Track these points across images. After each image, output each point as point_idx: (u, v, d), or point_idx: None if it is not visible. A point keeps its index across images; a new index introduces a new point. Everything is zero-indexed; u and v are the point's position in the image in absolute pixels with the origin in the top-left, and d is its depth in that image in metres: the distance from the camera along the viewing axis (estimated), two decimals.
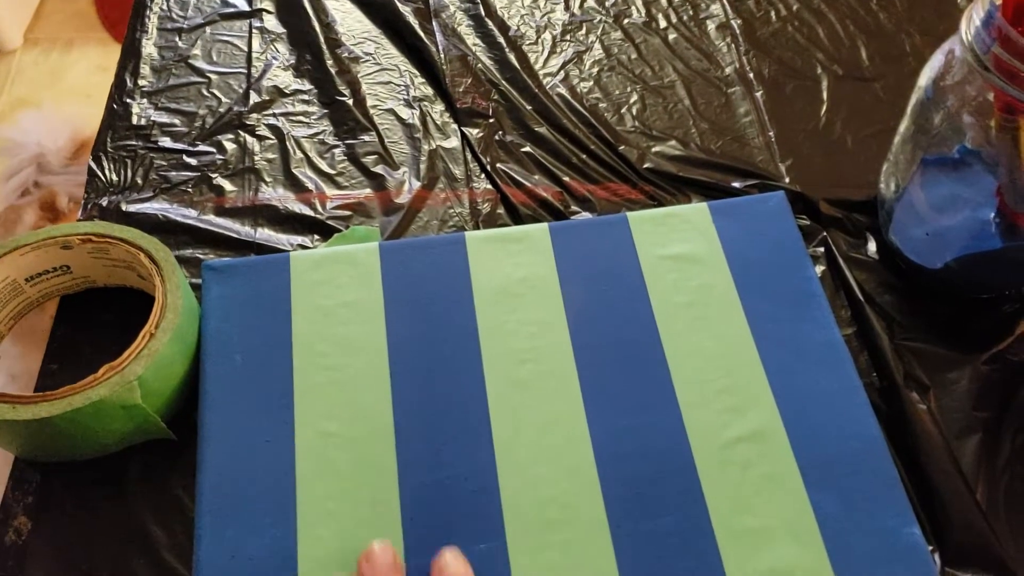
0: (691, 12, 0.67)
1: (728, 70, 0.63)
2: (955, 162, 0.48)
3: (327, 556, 0.41)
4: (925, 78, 0.46)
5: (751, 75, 0.63)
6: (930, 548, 0.42)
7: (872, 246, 0.54)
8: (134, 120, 0.61)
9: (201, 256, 0.54)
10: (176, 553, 0.43)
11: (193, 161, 0.59)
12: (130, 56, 0.65)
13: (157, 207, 0.56)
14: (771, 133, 0.60)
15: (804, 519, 0.42)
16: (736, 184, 0.57)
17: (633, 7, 0.67)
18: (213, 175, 0.58)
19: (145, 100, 0.62)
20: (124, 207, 0.56)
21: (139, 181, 0.58)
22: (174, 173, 0.58)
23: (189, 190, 0.57)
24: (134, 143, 0.60)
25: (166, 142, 0.60)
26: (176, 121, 0.61)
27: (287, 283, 0.49)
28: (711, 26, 0.66)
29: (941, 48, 0.45)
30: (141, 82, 0.63)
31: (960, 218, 0.50)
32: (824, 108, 0.61)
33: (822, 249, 0.54)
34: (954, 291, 0.51)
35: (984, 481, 0.45)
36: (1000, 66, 0.41)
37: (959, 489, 0.44)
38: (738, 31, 0.65)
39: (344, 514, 0.42)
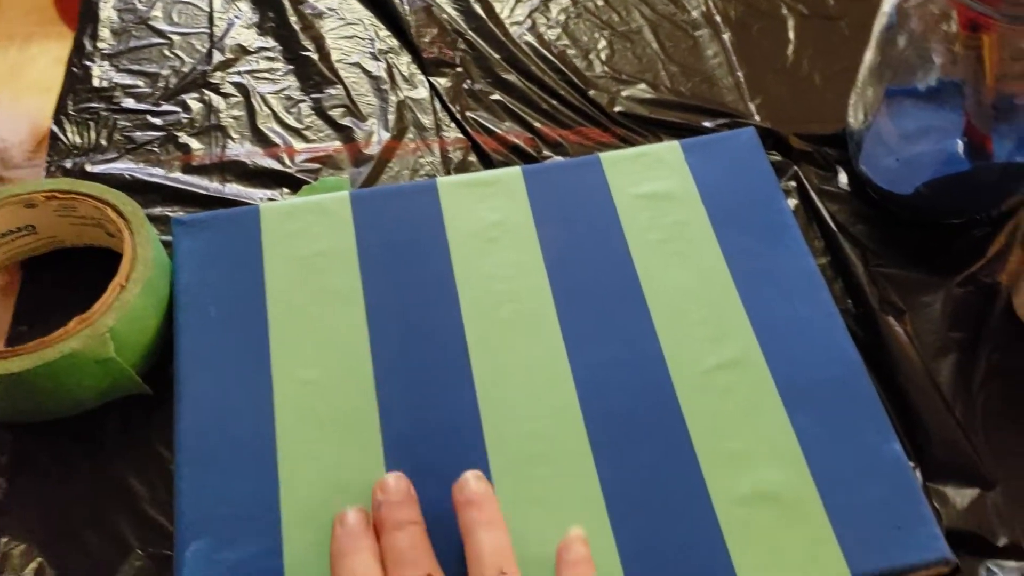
0: None
1: (695, 13, 0.63)
2: (922, 93, 0.49)
3: (310, 500, 0.41)
4: (888, 3, 0.46)
5: (718, 18, 0.63)
6: (911, 464, 0.43)
7: (843, 178, 0.54)
8: (95, 83, 0.60)
9: (170, 213, 0.53)
10: (158, 507, 0.43)
11: (158, 121, 0.58)
12: (88, 20, 0.64)
13: (123, 167, 0.55)
14: (740, 73, 0.60)
15: (786, 441, 0.42)
16: (707, 124, 0.57)
17: None
18: (179, 134, 0.57)
19: (106, 62, 0.61)
20: (89, 168, 0.55)
21: (103, 143, 0.57)
22: (139, 133, 0.57)
23: (155, 149, 0.56)
24: (96, 105, 0.59)
25: (129, 103, 0.59)
26: (139, 82, 0.60)
27: (258, 235, 0.49)
28: None
29: None
30: (101, 45, 0.62)
31: (929, 145, 0.51)
32: (791, 47, 0.61)
33: (794, 183, 0.54)
34: (926, 217, 0.52)
35: (961, 398, 0.45)
36: None
37: (937, 407, 0.44)
38: None
39: (326, 458, 0.42)
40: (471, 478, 0.39)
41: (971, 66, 0.44)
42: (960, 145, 0.49)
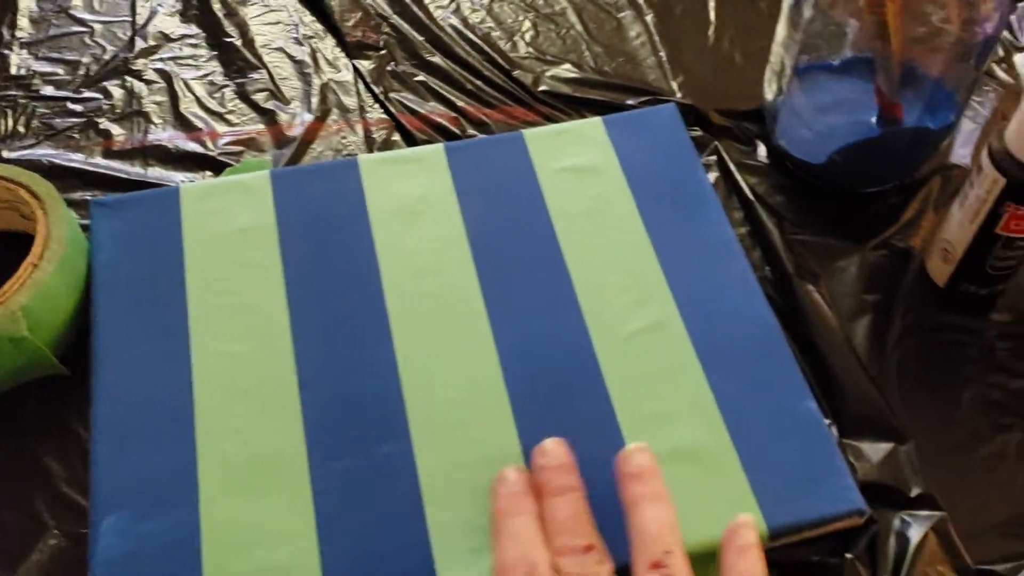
0: None
1: None
2: (834, 66, 0.50)
3: (228, 472, 0.40)
4: None
5: (641, 0, 0.64)
6: (827, 422, 0.43)
7: (762, 151, 0.55)
8: (12, 71, 0.59)
9: (91, 198, 0.52)
10: (75, 486, 0.42)
11: (78, 107, 0.57)
12: (6, 9, 0.63)
13: (41, 153, 0.55)
14: (662, 53, 0.60)
15: (704, 401, 0.42)
16: (630, 101, 0.57)
17: None
18: (99, 120, 0.57)
19: (24, 51, 0.60)
20: (6, 154, 0.54)
21: (21, 129, 0.56)
22: (58, 120, 0.57)
23: (75, 135, 0.56)
24: (13, 93, 0.58)
25: (48, 90, 0.58)
26: (59, 70, 0.59)
27: (177, 214, 0.49)
28: None
29: None
30: (19, 34, 0.62)
31: (842, 116, 0.52)
32: (712, 28, 0.62)
33: (715, 157, 0.55)
34: (841, 186, 0.53)
35: (876, 357, 0.46)
36: None
37: (852, 365, 0.45)
38: None
39: (245, 430, 0.41)
40: (635, 451, 0.37)
41: (877, 34, 0.45)
42: (873, 115, 0.50)
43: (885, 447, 0.43)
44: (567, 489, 0.36)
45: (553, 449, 0.38)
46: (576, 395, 0.43)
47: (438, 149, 0.52)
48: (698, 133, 0.56)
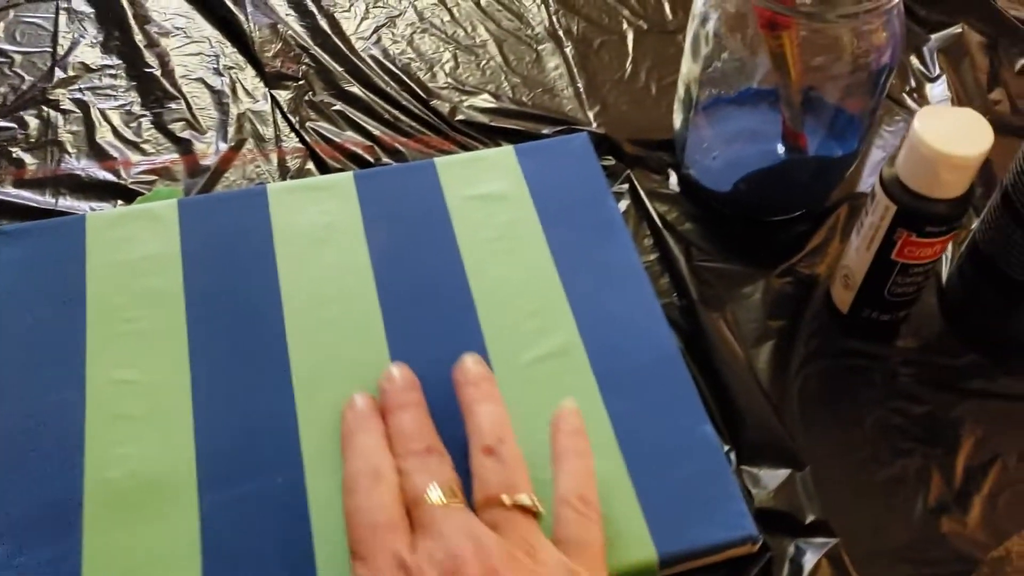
0: None
1: (539, 29, 0.64)
2: (740, 96, 0.50)
3: (115, 499, 0.40)
4: (696, 5, 0.48)
5: (560, 32, 0.64)
6: (726, 448, 0.43)
7: (674, 180, 0.55)
8: None
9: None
10: None
11: None
12: None
13: None
14: (580, 84, 0.61)
15: (601, 427, 0.42)
16: (546, 131, 0.58)
17: None
18: (13, 149, 0.56)
19: None
20: None
21: None
22: None
23: None
24: None
25: None
26: None
27: (82, 242, 0.48)
28: None
29: None
30: None
31: (747, 145, 0.52)
32: (630, 59, 0.63)
33: (627, 186, 0.55)
34: (749, 214, 0.53)
35: (778, 383, 0.46)
36: None
37: (753, 391, 0.45)
38: None
39: (134, 457, 0.41)
40: (469, 360, 0.41)
41: (775, 64, 0.46)
42: (778, 145, 0.51)
43: (782, 473, 0.42)
44: (409, 404, 0.40)
45: (397, 373, 0.41)
46: None
47: (348, 177, 0.52)
48: (611, 162, 0.56)
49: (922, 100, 0.60)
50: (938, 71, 0.62)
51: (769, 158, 0.51)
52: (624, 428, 0.42)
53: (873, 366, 0.47)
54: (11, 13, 0.65)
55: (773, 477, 0.42)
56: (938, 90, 0.61)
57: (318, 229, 0.49)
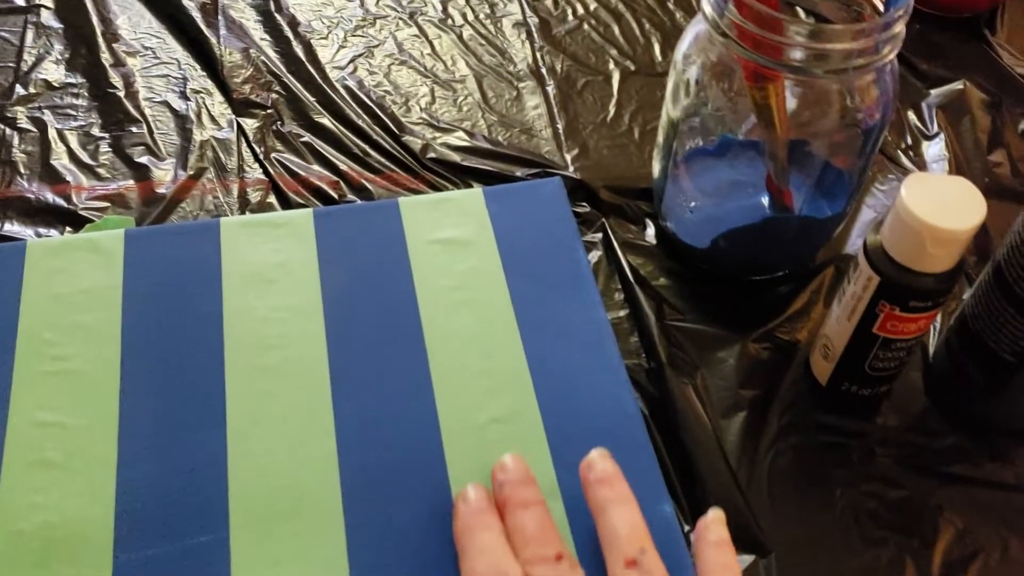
0: (488, 10, 0.66)
1: (521, 65, 0.62)
2: (719, 147, 0.48)
3: (23, 553, 0.37)
4: (679, 52, 0.45)
5: (543, 70, 0.62)
6: (687, 528, 0.40)
7: (651, 231, 0.53)
8: None
9: None
10: None
11: None
12: None
13: None
14: (559, 125, 0.58)
15: (550, 502, 0.39)
16: (519, 173, 0.55)
17: (430, 4, 0.66)
18: None
19: None
20: None
21: None
22: None
23: None
24: None
25: None
26: None
27: (20, 271, 0.45)
28: (507, 24, 0.65)
29: (693, 22, 0.45)
30: None
31: (726, 200, 0.50)
32: (614, 101, 0.60)
33: (600, 235, 0.52)
34: (728, 273, 0.50)
35: (747, 458, 0.43)
36: (741, 34, 0.41)
37: (720, 468, 0.42)
38: (534, 28, 0.64)
39: (49, 507, 0.38)
40: (598, 457, 0.37)
41: (760, 117, 0.43)
42: (762, 200, 0.48)
43: (746, 559, 0.39)
44: (531, 502, 0.37)
45: (513, 464, 0.38)
46: (414, 490, 0.39)
47: (306, 214, 0.49)
48: (586, 209, 0.53)
49: (918, 159, 0.58)
50: (936, 128, 0.59)
51: (751, 214, 0.48)
52: (576, 505, 0.39)
53: (850, 444, 0.44)
54: None
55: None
56: (935, 149, 0.58)
57: (270, 268, 0.46)
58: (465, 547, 0.35)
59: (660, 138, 0.49)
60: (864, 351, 0.42)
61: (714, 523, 0.36)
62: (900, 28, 0.40)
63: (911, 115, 0.60)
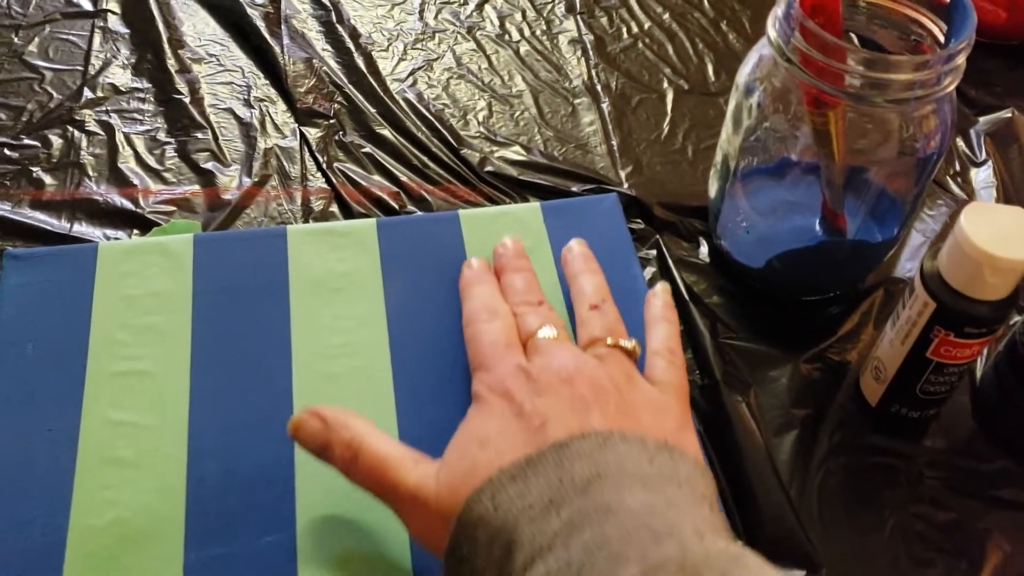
0: (544, 27, 0.67)
1: (576, 82, 0.63)
2: (777, 169, 0.49)
3: (98, 546, 0.38)
4: (741, 74, 0.46)
5: (599, 87, 0.63)
6: (739, 542, 0.41)
7: (704, 250, 0.54)
8: None
9: (10, 248, 0.51)
10: None
11: (14, 154, 0.56)
12: None
13: None
14: (614, 141, 0.59)
15: None
16: (575, 188, 0.56)
17: (488, 20, 0.67)
18: (34, 169, 0.55)
19: None
20: None
21: None
22: None
23: (6, 183, 0.55)
24: None
25: None
26: (1, 115, 0.58)
27: (92, 273, 0.47)
28: (563, 40, 0.66)
29: (757, 45, 0.46)
30: None
31: (782, 221, 0.51)
32: (668, 119, 0.61)
33: (655, 252, 0.53)
34: (781, 293, 0.51)
35: (799, 475, 0.44)
36: (805, 60, 0.42)
37: (772, 485, 0.43)
38: (589, 46, 0.66)
39: (122, 503, 0.39)
40: (574, 243, 0.48)
41: (819, 143, 0.44)
42: (815, 223, 0.49)
43: (797, 575, 0.40)
44: (522, 268, 0.46)
45: (511, 243, 0.47)
46: None
47: (370, 224, 0.50)
48: (640, 226, 0.54)
49: (966, 185, 0.58)
50: (984, 155, 0.60)
51: (805, 236, 0.49)
52: None
53: (898, 465, 0.45)
54: (47, 28, 0.64)
55: None
56: (983, 175, 0.59)
57: (335, 277, 0.48)
58: (465, 296, 0.44)
59: (718, 157, 0.50)
60: (916, 374, 0.43)
61: (663, 291, 0.45)
62: (962, 60, 0.41)
63: (959, 142, 0.61)
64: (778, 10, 0.42)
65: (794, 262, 0.49)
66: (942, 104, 0.43)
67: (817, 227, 0.49)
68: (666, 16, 0.68)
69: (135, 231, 0.53)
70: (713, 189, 0.51)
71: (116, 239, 0.52)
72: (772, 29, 0.43)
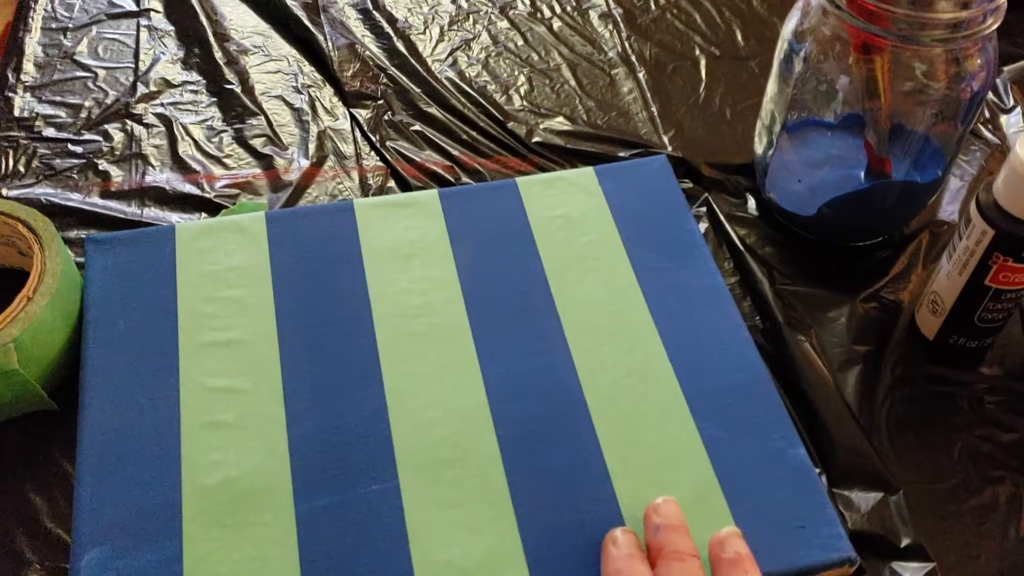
0: (574, 3, 0.69)
1: (611, 54, 0.65)
2: (824, 122, 0.51)
3: (213, 507, 0.40)
4: (787, 29, 0.48)
5: (633, 57, 0.65)
6: (816, 470, 0.43)
7: (752, 204, 0.56)
8: (16, 112, 0.60)
9: (86, 236, 0.52)
10: (58, 520, 0.42)
11: (79, 149, 0.58)
12: (12, 54, 0.64)
13: (40, 191, 0.55)
14: (654, 108, 0.61)
15: (692, 446, 0.42)
16: (622, 153, 0.58)
17: (519, 0, 0.69)
18: (99, 161, 0.57)
19: (28, 94, 0.61)
20: (5, 192, 0.55)
21: (21, 169, 0.56)
22: (59, 161, 0.57)
23: (74, 176, 0.56)
24: (16, 134, 0.58)
25: (50, 132, 0.59)
26: (61, 112, 0.60)
27: (172, 251, 0.49)
28: (593, 15, 0.68)
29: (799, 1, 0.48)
30: (24, 78, 0.62)
31: (831, 171, 0.53)
32: (703, 84, 0.63)
33: (705, 209, 0.55)
34: (830, 239, 0.53)
35: (866, 407, 0.46)
36: (853, 4, 0.44)
37: (842, 415, 0.45)
38: (619, 19, 0.68)
39: (230, 463, 0.41)
40: (730, 536, 0.37)
41: (866, 88, 0.46)
42: (861, 170, 0.51)
43: (874, 496, 0.42)
44: (686, 554, 0.36)
45: (668, 509, 0.38)
46: (564, 438, 0.42)
47: (432, 194, 0.52)
48: (689, 185, 0.57)
49: (997, 131, 0.60)
50: (1012, 102, 0.62)
51: (853, 183, 0.51)
52: (716, 449, 0.42)
53: (960, 393, 0.47)
54: (93, 29, 0.66)
55: (865, 500, 0.42)
56: (1013, 120, 0.61)
57: (405, 244, 0.50)
58: None
59: (764, 114, 0.52)
60: (975, 303, 0.45)
61: (730, 538, 0.37)
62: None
63: None
64: None
65: (844, 208, 0.51)
66: (985, 44, 0.45)
67: (862, 175, 0.51)
68: None
69: (203, 214, 0.54)
70: (760, 145, 0.53)
71: (189, 221, 0.54)
72: None
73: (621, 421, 0.43)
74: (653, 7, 0.69)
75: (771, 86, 0.51)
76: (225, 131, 0.59)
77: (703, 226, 0.54)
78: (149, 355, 0.45)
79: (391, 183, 0.57)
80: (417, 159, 0.58)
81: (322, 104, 0.61)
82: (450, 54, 0.65)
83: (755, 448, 0.42)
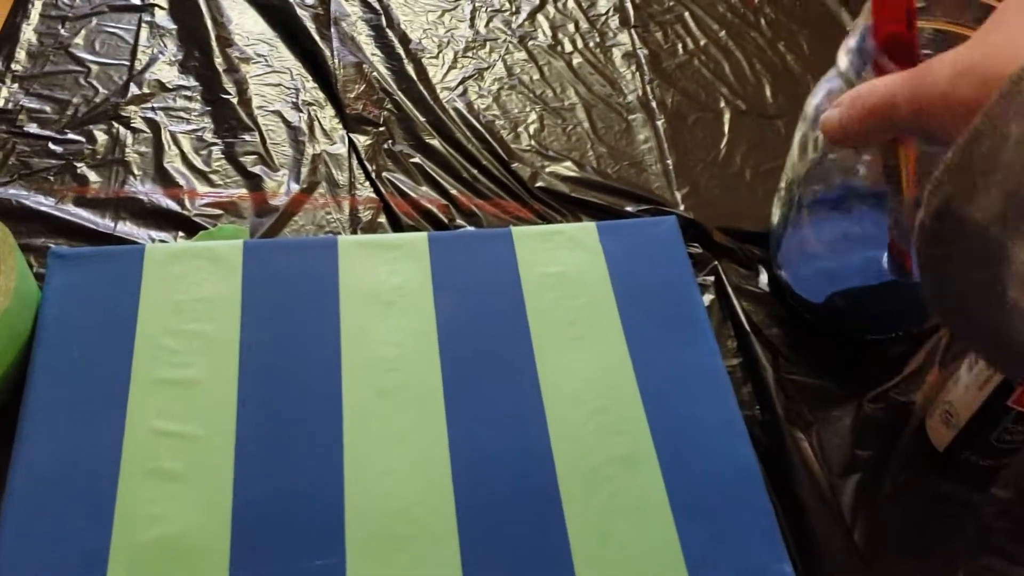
0: (598, 39, 0.65)
1: (631, 97, 0.62)
2: (843, 203, 0.47)
3: (141, 563, 0.37)
4: (810, 106, 0.45)
5: (654, 103, 0.61)
6: None
7: (764, 278, 0.52)
8: (0, 103, 0.57)
9: (53, 245, 0.49)
10: None
11: (59, 149, 0.55)
12: (6, 40, 0.61)
13: (12, 193, 0.52)
14: (669, 161, 0.58)
15: (670, 551, 0.39)
16: (629, 208, 0.55)
17: (540, 30, 0.66)
18: (78, 164, 0.54)
19: (16, 84, 0.58)
20: None
21: None
22: (36, 160, 0.54)
23: (50, 178, 0.53)
24: None
25: (32, 128, 0.56)
26: (46, 108, 0.57)
27: (138, 275, 0.46)
28: (617, 54, 0.65)
29: (826, 76, 0.44)
30: (15, 67, 0.59)
31: (845, 257, 0.49)
32: (725, 140, 0.59)
33: (712, 278, 0.52)
34: (842, 329, 0.49)
35: (863, 520, 0.42)
36: None
37: (835, 527, 0.41)
38: (644, 60, 0.64)
39: (167, 518, 0.38)
40: None
41: (888, 178, 0.43)
42: (880, 260, 0.47)
43: None
44: None
45: None
46: (530, 526, 0.39)
47: (421, 238, 0.49)
48: (698, 250, 0.53)
49: None
50: None
51: (869, 273, 0.47)
52: (695, 558, 0.39)
53: (966, 514, 0.43)
54: (93, 21, 0.63)
55: None
56: None
57: (386, 290, 0.46)
58: None
59: (782, 187, 0.48)
60: (993, 423, 0.41)
61: None
62: None
63: None
64: (850, 41, 0.41)
65: (857, 299, 0.48)
66: None
67: (884, 264, 0.47)
68: (722, 34, 0.67)
69: (181, 233, 0.51)
70: (775, 217, 0.50)
71: (162, 241, 0.50)
72: (843, 60, 0.41)
73: (595, 514, 0.40)
74: (681, 51, 0.65)
75: (793, 152, 0.47)
76: (215, 144, 0.56)
77: (708, 297, 0.51)
78: (99, 388, 0.42)
79: (382, 218, 0.53)
80: (412, 195, 0.54)
81: (321, 125, 0.58)
82: (461, 83, 0.61)
83: (738, 560, 0.39)
